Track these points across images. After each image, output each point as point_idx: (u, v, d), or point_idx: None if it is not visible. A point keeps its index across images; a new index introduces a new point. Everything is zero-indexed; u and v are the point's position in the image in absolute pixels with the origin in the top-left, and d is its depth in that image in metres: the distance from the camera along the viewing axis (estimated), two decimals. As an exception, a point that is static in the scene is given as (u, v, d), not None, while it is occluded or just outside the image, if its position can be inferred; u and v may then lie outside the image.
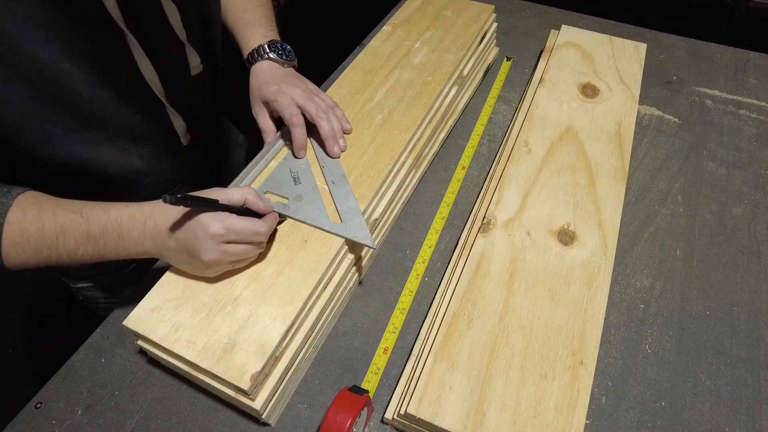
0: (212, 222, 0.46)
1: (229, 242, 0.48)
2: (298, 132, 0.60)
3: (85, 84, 0.50)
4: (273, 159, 0.63)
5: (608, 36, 0.84)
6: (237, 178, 0.59)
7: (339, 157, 0.62)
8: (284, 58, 0.65)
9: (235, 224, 0.47)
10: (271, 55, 0.64)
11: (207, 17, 0.64)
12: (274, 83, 0.62)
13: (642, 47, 0.82)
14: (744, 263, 0.64)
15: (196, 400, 0.53)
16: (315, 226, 0.55)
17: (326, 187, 0.59)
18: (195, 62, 0.61)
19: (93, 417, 0.52)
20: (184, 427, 0.51)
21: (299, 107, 0.61)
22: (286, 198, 0.58)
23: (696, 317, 0.59)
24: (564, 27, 0.86)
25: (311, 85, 0.66)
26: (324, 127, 0.61)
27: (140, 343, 0.51)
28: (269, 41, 0.65)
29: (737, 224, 0.68)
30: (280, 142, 0.64)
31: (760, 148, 0.77)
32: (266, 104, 0.63)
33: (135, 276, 0.74)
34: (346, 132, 0.64)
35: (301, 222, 0.56)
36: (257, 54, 0.65)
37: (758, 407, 0.53)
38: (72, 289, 0.76)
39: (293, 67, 0.68)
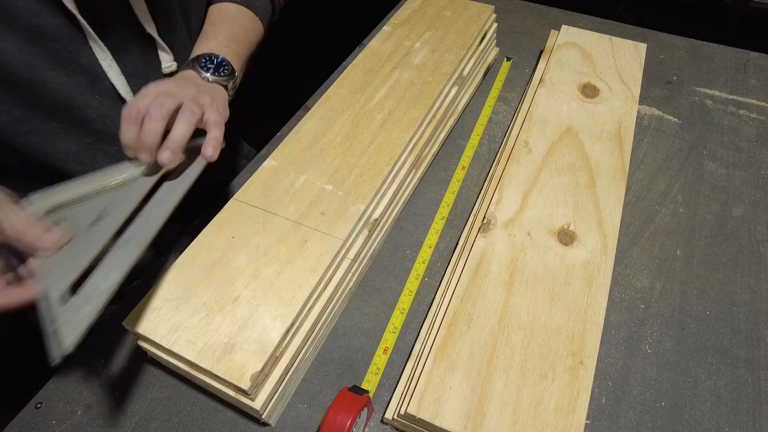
0: None
1: None
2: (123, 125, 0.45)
3: (26, 67, 0.45)
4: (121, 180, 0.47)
5: (608, 36, 0.84)
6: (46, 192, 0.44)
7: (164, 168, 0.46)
8: (207, 71, 0.54)
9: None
10: (196, 67, 0.54)
11: (184, 9, 0.58)
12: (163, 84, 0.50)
13: (642, 47, 0.82)
14: (744, 263, 0.64)
15: (196, 400, 0.53)
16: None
17: (116, 242, 0.43)
18: (167, 60, 0.56)
19: (93, 417, 0.52)
20: (184, 427, 0.51)
21: (158, 95, 0.46)
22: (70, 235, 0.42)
23: (696, 317, 0.59)
24: (564, 27, 0.86)
25: (206, 97, 0.50)
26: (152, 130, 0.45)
27: (140, 343, 0.51)
28: (203, 54, 0.55)
29: (737, 224, 0.68)
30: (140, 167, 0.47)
31: (760, 148, 0.77)
32: None
33: (133, 279, 0.74)
34: (205, 156, 0.47)
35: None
36: (186, 66, 0.55)
37: (758, 407, 0.53)
38: None
39: (222, 84, 0.55)
